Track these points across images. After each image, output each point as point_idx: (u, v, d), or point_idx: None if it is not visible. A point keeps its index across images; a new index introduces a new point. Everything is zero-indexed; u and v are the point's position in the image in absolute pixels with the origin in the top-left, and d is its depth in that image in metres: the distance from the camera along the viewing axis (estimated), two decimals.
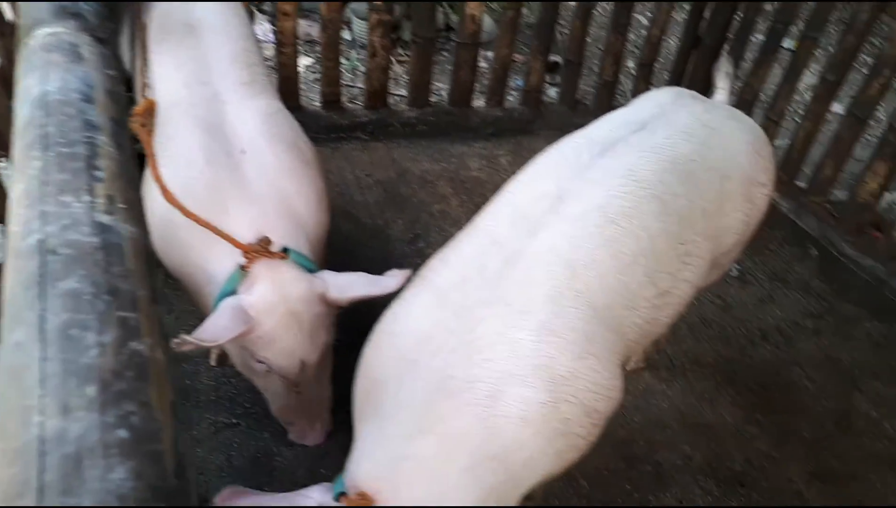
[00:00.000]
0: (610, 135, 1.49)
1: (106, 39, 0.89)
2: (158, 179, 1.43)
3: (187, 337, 1.38)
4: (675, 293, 1.45)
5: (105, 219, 0.64)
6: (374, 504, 1.13)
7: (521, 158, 2.97)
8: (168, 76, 1.73)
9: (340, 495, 1.16)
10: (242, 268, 1.53)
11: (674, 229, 1.40)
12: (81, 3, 0.88)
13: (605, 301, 1.29)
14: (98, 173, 0.68)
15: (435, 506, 1.15)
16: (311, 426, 1.78)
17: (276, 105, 1.82)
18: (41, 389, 0.48)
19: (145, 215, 1.55)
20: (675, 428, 2.07)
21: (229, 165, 1.62)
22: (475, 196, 2.81)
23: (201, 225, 1.48)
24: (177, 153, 1.58)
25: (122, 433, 0.46)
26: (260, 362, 1.57)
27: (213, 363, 2.06)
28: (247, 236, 1.54)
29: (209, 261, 1.57)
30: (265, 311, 1.49)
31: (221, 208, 1.56)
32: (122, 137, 0.78)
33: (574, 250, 1.29)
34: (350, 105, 3.14)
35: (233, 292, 1.52)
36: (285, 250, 1.57)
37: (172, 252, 1.62)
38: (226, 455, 1.86)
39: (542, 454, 1.23)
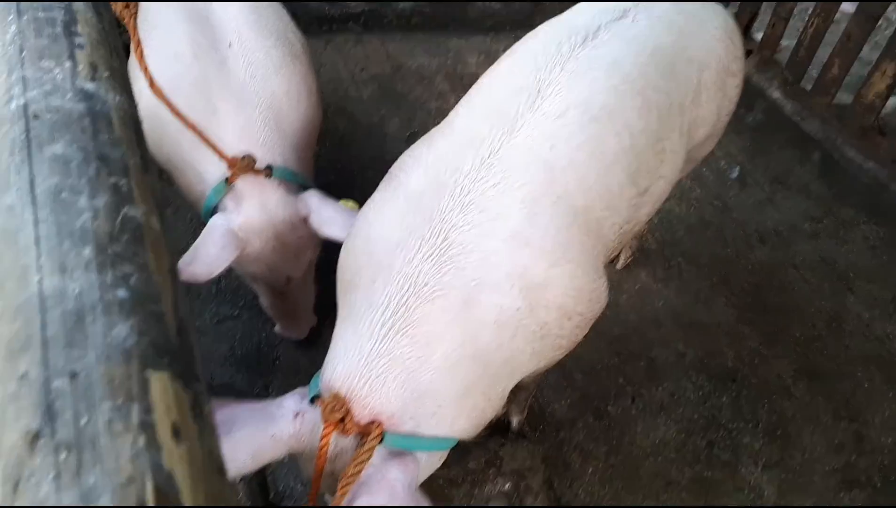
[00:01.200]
0: (591, 23, 1.39)
1: None
2: (146, 71, 1.36)
3: (181, 267, 1.39)
4: (653, 191, 1.42)
5: (89, 86, 0.59)
6: (347, 405, 1.13)
7: None
8: None
9: (315, 398, 1.16)
10: (227, 181, 1.51)
11: (653, 126, 1.35)
12: None
13: (585, 204, 1.25)
14: (78, 40, 0.63)
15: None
16: (296, 323, 1.81)
17: None
18: (37, 249, 0.45)
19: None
20: (670, 326, 2.10)
21: (217, 60, 1.55)
22: None
23: (188, 127, 1.44)
24: (162, 44, 1.51)
25: (122, 293, 0.43)
26: (247, 272, 1.60)
27: None
28: (233, 143, 1.51)
29: (198, 161, 1.55)
30: (253, 233, 1.51)
31: (209, 108, 1.51)
32: (101, 5, 0.72)
33: (553, 150, 1.22)
34: None
35: (217, 205, 1.53)
36: (269, 168, 1.54)
37: (161, 147, 1.58)
38: (229, 346, 1.88)
39: (522, 353, 1.23)
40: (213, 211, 1.54)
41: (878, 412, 1.94)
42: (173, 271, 0.49)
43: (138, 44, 1.39)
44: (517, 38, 2.92)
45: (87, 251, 0.46)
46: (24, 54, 0.57)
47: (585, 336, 1.40)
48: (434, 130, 1.36)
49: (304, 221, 1.56)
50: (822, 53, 2.75)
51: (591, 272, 1.28)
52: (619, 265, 2.21)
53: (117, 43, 0.69)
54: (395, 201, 1.25)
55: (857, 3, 2.55)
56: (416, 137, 2.48)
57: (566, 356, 1.44)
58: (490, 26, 3.02)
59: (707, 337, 2.08)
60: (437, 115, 2.63)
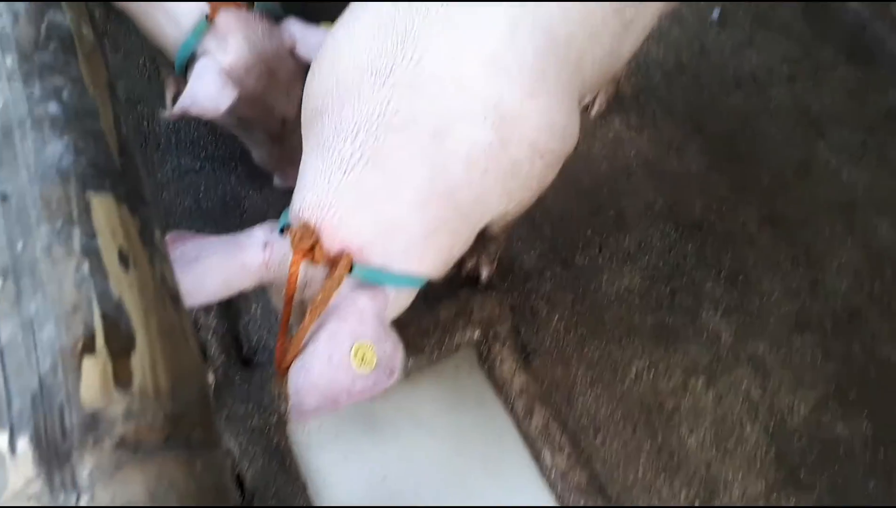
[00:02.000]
0: None
1: None
2: None
3: (175, 109, 1.37)
4: (639, 23, 1.37)
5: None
6: (317, 234, 1.11)
7: None
8: None
9: (285, 228, 1.14)
10: (207, 18, 1.43)
11: None
12: None
13: (567, 31, 1.20)
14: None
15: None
16: (292, 168, 1.76)
17: None
18: None
19: None
20: (641, 176, 2.09)
21: None
22: None
23: None
24: None
25: (53, 108, 0.38)
26: (240, 117, 1.54)
27: (169, 109, 1.95)
28: None
29: (176, 5, 1.46)
30: (244, 71, 1.46)
31: None
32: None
33: None
34: None
35: (195, 48, 1.46)
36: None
37: None
38: (194, 199, 1.83)
39: (492, 193, 1.22)
40: (191, 56, 1.47)
41: (835, 258, 1.99)
42: (112, 87, 0.44)
43: None
44: None
45: (10, 60, 0.40)
46: None
47: (555, 186, 1.39)
48: None
49: (291, 51, 1.52)
50: None
51: (566, 107, 1.25)
52: (593, 113, 2.16)
53: None
54: (366, 21, 1.18)
55: None
56: None
57: (535, 206, 1.43)
58: None
59: (677, 186, 2.08)
60: None
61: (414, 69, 1.11)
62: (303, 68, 1.51)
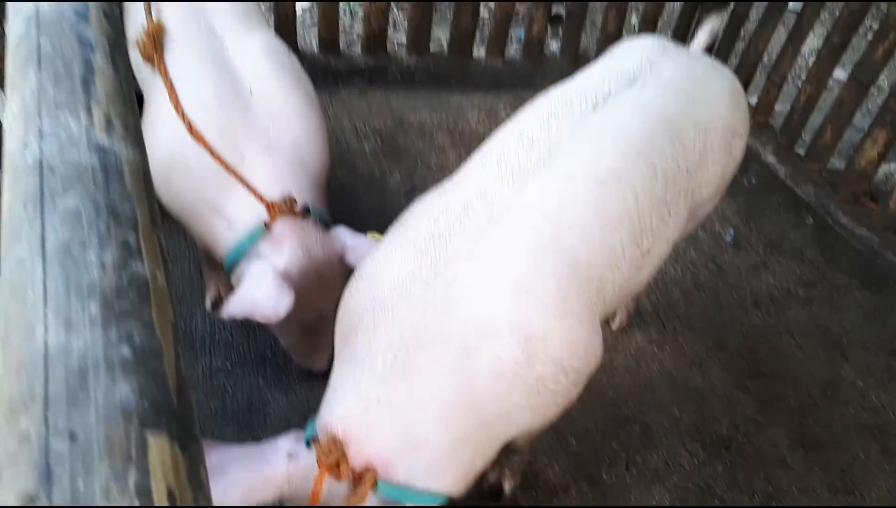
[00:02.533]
0: (601, 88, 1.44)
1: None
2: (183, 116, 1.40)
3: (230, 310, 1.41)
4: (656, 252, 1.44)
5: (103, 140, 0.60)
6: (344, 449, 1.11)
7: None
8: (170, 4, 1.66)
9: (311, 440, 1.15)
10: (266, 224, 1.53)
11: (659, 190, 1.38)
12: None
13: (588, 261, 1.27)
14: (95, 93, 0.64)
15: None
16: (320, 356, 1.80)
17: (276, 40, 1.76)
18: (44, 304, 0.45)
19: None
20: (665, 391, 2.08)
21: (241, 106, 1.58)
22: (473, 149, 2.73)
23: (229, 172, 1.46)
24: (186, 93, 1.50)
25: (126, 351, 0.43)
26: None
27: (208, 307, 2.03)
28: (265, 187, 1.53)
29: (227, 207, 1.55)
30: (297, 275, 1.52)
31: (237, 156, 1.53)
32: (119, 58, 0.73)
33: (560, 208, 1.25)
34: (347, 50, 3.06)
35: (248, 248, 1.53)
36: (307, 209, 1.57)
37: (181, 193, 1.58)
38: (221, 399, 1.85)
39: (518, 408, 1.23)
40: (238, 258, 1.55)
41: (873, 485, 1.91)
42: (175, 329, 0.48)
43: (172, 88, 1.42)
44: (517, 97, 3.01)
45: (94, 307, 0.45)
46: (42, 107, 0.58)
47: (580, 399, 1.39)
48: (446, 181, 1.40)
49: (339, 258, 1.59)
50: (816, 118, 2.81)
51: (589, 328, 1.29)
52: (615, 326, 2.21)
53: (132, 96, 0.70)
54: (404, 246, 1.27)
55: (848, 71, 2.62)
56: (416, 191, 2.54)
57: (560, 418, 1.43)
58: (491, 84, 3.08)
59: (702, 403, 2.06)
60: (437, 169, 2.66)
61: (445, 291, 1.18)
62: (345, 271, 1.59)
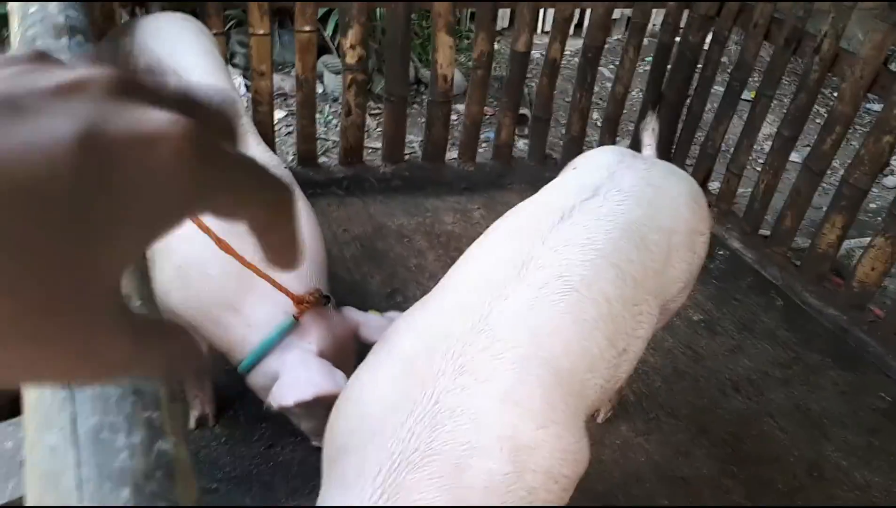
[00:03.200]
0: (566, 202, 1.54)
1: None
2: (208, 231, 1.47)
3: (290, 400, 1.48)
4: (631, 350, 1.50)
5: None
6: None
7: (493, 212, 3.04)
8: None
9: None
10: (295, 317, 1.61)
11: (629, 292, 1.45)
12: None
13: (569, 366, 1.32)
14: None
15: None
16: None
17: (271, 154, 1.87)
18: (78, 493, 0.49)
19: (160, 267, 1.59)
20: (653, 481, 2.10)
21: None
22: (450, 250, 2.85)
23: (261, 276, 1.53)
24: None
25: None
26: None
27: (192, 425, 2.03)
28: (290, 283, 1.61)
29: (248, 307, 1.62)
30: (330, 359, 1.59)
31: (259, 257, 1.60)
32: None
33: (538, 316, 1.31)
34: (325, 159, 3.18)
35: (276, 342, 1.60)
36: (328, 298, 1.67)
37: (199, 299, 1.64)
38: None
39: None
40: (263, 355, 1.60)
41: None
42: (198, 500, 0.52)
43: None
44: (490, 197, 3.12)
45: (125, 493, 0.50)
46: None
47: (570, 496, 1.41)
48: (426, 297, 1.45)
49: (354, 334, 1.70)
50: (777, 201, 2.95)
51: (575, 433, 1.32)
52: (600, 419, 2.24)
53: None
54: (389, 364, 1.31)
55: (803, 155, 2.78)
56: (397, 293, 2.60)
57: None
58: (464, 187, 3.20)
59: (691, 492, 2.08)
60: (416, 271, 2.74)
61: (433, 408, 1.21)
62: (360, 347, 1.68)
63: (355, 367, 1.45)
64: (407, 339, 1.33)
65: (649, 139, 2.05)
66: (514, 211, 1.59)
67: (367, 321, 1.72)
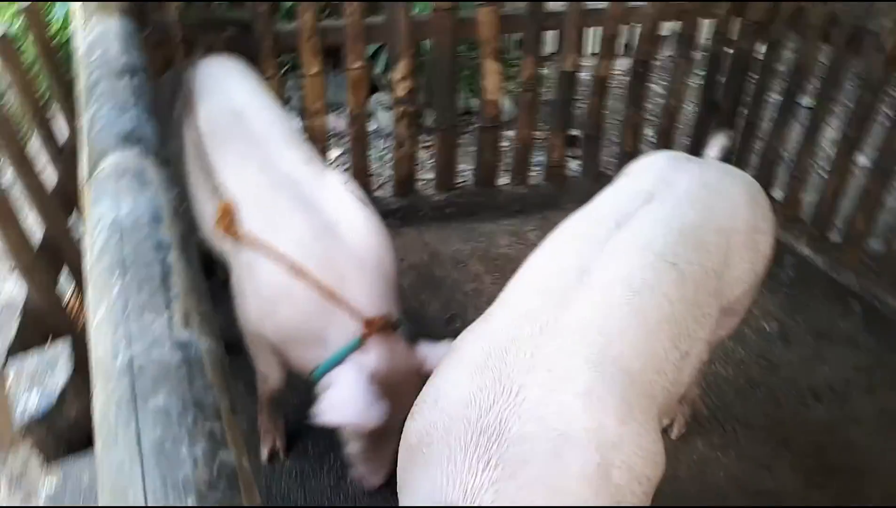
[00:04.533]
0: (622, 208, 1.54)
1: (167, 161, 0.96)
2: (282, 259, 1.60)
3: (325, 416, 1.54)
4: (693, 353, 1.47)
5: (184, 335, 0.67)
6: None
7: (548, 232, 3.01)
8: (238, 171, 1.84)
9: None
10: (361, 338, 1.65)
11: (690, 294, 1.44)
12: (146, 129, 0.95)
13: (638, 367, 1.30)
14: (173, 291, 0.72)
15: None
16: (378, 470, 1.87)
17: (338, 176, 1.92)
18: (145, 504, 0.50)
19: (248, 294, 1.72)
20: (735, 497, 2.02)
21: (332, 235, 1.73)
22: (507, 272, 2.79)
23: (333, 299, 1.62)
24: (282, 237, 1.69)
25: None
26: None
27: (264, 459, 2.07)
28: (362, 304, 1.67)
29: (323, 327, 1.68)
30: (379, 385, 1.62)
31: (338, 278, 1.67)
32: (191, 253, 0.83)
33: (605, 318, 1.30)
34: (379, 193, 3.23)
35: (341, 358, 1.65)
36: (397, 322, 1.70)
37: (289, 324, 1.71)
38: None
39: None
40: (328, 369, 1.66)
41: None
42: None
43: (265, 244, 1.66)
44: (544, 219, 3.11)
45: (191, 502, 0.51)
46: (127, 311, 0.66)
47: None
48: (489, 308, 1.45)
49: (418, 370, 1.69)
50: (846, 206, 2.83)
51: (652, 433, 1.30)
52: (674, 435, 2.17)
53: (204, 287, 0.78)
54: (461, 366, 1.31)
55: (870, 156, 2.66)
56: (456, 319, 2.60)
57: None
58: (518, 209, 3.20)
59: (777, 505, 1.99)
60: (474, 296, 2.74)
61: (514, 400, 1.19)
62: (420, 383, 1.65)
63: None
64: (476, 345, 1.33)
65: (714, 152, 2.01)
66: (569, 221, 1.59)
67: (435, 353, 1.69)
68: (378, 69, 4.00)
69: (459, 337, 1.42)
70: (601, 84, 3.11)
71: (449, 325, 2.60)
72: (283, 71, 3.09)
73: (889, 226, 2.71)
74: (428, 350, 1.72)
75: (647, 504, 1.32)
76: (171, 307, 0.72)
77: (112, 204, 0.81)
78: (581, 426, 1.18)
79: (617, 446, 1.21)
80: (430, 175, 3.30)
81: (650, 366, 1.34)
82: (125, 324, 0.69)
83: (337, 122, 3.94)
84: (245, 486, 0.57)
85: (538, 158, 3.38)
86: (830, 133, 3.53)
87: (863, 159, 2.79)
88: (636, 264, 1.40)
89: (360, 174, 3.03)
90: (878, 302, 2.61)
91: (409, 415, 1.36)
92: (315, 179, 1.85)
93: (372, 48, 3.65)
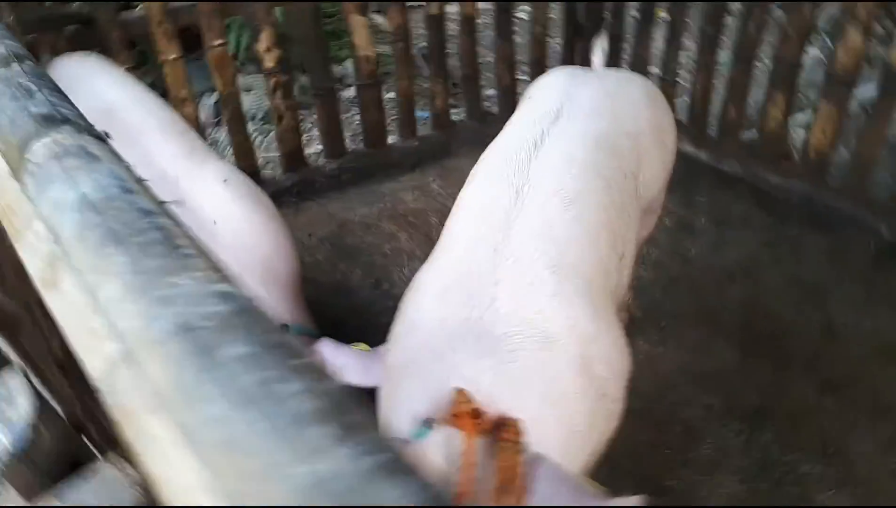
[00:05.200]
0: (534, 131, 1.54)
1: (102, 138, 0.86)
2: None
3: None
4: (628, 255, 1.54)
5: (225, 288, 0.61)
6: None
7: (449, 180, 3.02)
8: None
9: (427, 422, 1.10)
10: None
11: (616, 198, 1.48)
12: (64, 109, 0.85)
13: (590, 272, 1.34)
14: (186, 251, 0.65)
15: None
16: None
17: (226, 166, 1.79)
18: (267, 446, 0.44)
19: None
20: (686, 384, 2.12)
21: (207, 238, 1.57)
22: (420, 226, 2.81)
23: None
24: None
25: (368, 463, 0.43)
26: None
27: None
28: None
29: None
30: None
31: None
32: (176, 218, 0.75)
33: (551, 229, 1.32)
34: (269, 173, 3.09)
35: None
36: (286, 327, 1.55)
37: None
38: None
39: (586, 419, 1.23)
40: None
41: None
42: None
43: None
44: (442, 168, 3.09)
45: (314, 431, 0.45)
46: (147, 277, 0.59)
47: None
48: (432, 255, 1.42)
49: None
50: (716, 102, 3.01)
51: (618, 330, 1.35)
52: None
53: (208, 247, 0.71)
54: (427, 297, 1.29)
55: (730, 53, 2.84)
56: (382, 282, 2.55)
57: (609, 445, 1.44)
58: (414, 163, 3.16)
59: (723, 383, 2.11)
60: (393, 255, 2.69)
61: (491, 307, 1.20)
62: None
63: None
64: (434, 279, 1.31)
65: (598, 59, 2.06)
66: (484, 156, 1.57)
67: (335, 357, 1.44)
68: (230, 48, 3.79)
69: (409, 286, 1.38)
70: (469, 23, 3.10)
71: (375, 289, 2.55)
72: (137, 62, 2.85)
73: (759, 112, 2.91)
74: (326, 349, 1.46)
75: (622, 401, 1.36)
76: (195, 266, 0.64)
77: (66, 186, 0.70)
78: (560, 324, 1.21)
79: (595, 339, 1.24)
80: (319, 147, 3.20)
81: (598, 271, 1.37)
82: (152, 289, 0.60)
83: (199, 111, 3.72)
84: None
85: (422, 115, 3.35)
86: (690, 39, 3.73)
87: (725, 56, 2.97)
88: (565, 177, 1.41)
89: (245, 157, 2.88)
90: (762, 182, 2.81)
91: (386, 350, 1.32)
92: (195, 174, 1.71)
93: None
